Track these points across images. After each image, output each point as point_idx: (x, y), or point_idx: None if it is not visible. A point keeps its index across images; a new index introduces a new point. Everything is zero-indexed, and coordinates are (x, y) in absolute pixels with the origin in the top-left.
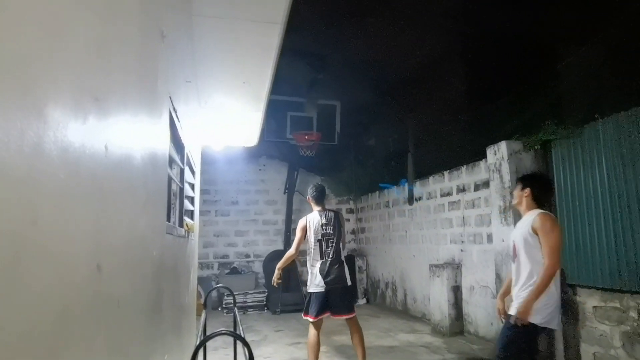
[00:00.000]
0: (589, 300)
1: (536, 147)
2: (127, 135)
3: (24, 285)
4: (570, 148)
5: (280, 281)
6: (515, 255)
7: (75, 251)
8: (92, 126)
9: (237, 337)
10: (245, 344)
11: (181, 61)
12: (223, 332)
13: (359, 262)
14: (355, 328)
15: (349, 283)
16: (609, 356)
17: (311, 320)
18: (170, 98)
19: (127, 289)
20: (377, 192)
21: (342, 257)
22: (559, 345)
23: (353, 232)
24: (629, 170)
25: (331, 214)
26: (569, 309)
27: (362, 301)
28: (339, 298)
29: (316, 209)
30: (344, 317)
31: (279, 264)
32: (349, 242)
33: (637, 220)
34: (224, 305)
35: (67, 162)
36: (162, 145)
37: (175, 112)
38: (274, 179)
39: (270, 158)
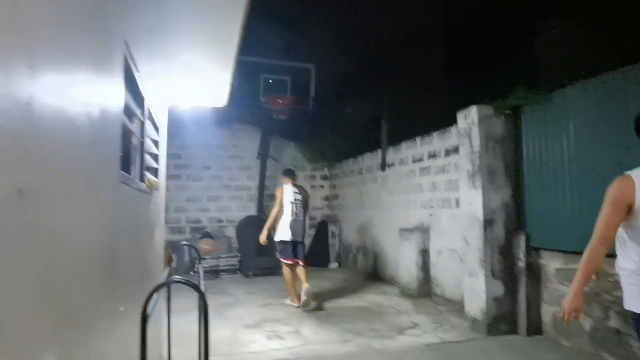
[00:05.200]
0: (551, 263)
1: (506, 112)
2: (64, 65)
3: None
4: (539, 114)
5: (267, 242)
6: None
7: None
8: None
9: (190, 285)
10: (199, 292)
11: (143, 10)
12: (176, 280)
13: (332, 228)
14: (303, 268)
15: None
16: None
17: (289, 262)
18: (126, 43)
19: (64, 222)
20: (352, 159)
21: (305, 220)
22: (522, 307)
23: (327, 198)
24: (595, 136)
25: (300, 188)
26: (532, 272)
27: (334, 265)
28: (299, 248)
29: (289, 182)
30: (301, 262)
31: (267, 224)
32: (323, 208)
33: (600, 186)
34: (195, 270)
35: None
36: (113, 88)
37: (133, 61)
38: (247, 144)
39: (243, 123)
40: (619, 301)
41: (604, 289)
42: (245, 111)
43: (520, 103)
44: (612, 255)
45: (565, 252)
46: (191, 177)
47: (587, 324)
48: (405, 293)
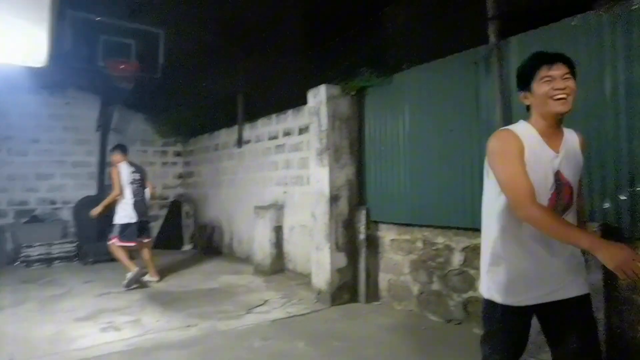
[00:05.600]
0: (387, 235)
1: (352, 92)
2: None
3: None
4: (380, 96)
5: (98, 215)
6: (567, 199)
7: None
8: None
9: None
10: None
11: None
12: None
13: (186, 208)
14: (149, 248)
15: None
16: (399, 281)
17: (132, 245)
18: None
19: None
20: (207, 135)
21: (146, 198)
22: (362, 276)
23: (180, 176)
24: (425, 118)
25: (136, 166)
26: (371, 243)
27: (188, 247)
28: (144, 227)
29: (123, 161)
30: (146, 240)
31: (105, 202)
32: (176, 187)
33: (429, 164)
34: (22, 258)
35: None
36: None
37: None
38: (86, 115)
39: (80, 90)
40: (440, 267)
41: (429, 256)
42: (82, 76)
43: (364, 84)
44: (470, 228)
45: (398, 224)
46: (14, 152)
47: (415, 288)
48: (259, 270)
